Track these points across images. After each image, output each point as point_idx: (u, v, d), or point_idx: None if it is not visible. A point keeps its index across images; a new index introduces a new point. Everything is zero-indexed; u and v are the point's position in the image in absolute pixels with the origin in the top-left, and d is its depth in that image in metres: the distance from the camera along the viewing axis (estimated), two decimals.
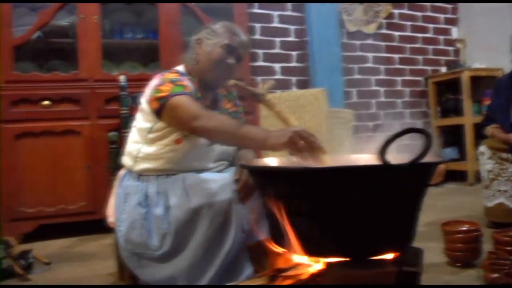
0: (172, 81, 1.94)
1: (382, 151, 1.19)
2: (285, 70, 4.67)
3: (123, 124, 3.10)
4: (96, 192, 3.32)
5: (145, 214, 1.91)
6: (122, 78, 3.15)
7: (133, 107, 3.12)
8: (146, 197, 1.94)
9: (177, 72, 2.06)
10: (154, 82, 2.02)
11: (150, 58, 3.80)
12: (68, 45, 3.55)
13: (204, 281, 1.81)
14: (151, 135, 1.97)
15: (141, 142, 2.01)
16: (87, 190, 3.32)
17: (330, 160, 1.55)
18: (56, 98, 3.29)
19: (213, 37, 2.04)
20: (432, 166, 1.37)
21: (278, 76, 4.61)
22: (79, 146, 3.31)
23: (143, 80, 3.35)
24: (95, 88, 3.37)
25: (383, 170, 1.22)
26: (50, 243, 3.24)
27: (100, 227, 3.37)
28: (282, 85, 4.59)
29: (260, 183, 1.40)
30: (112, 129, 3.30)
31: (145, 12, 3.87)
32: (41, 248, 2.93)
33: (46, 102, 3.26)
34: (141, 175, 1.99)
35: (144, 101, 2.05)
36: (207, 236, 1.80)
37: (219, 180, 1.85)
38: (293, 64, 4.70)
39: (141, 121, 2.03)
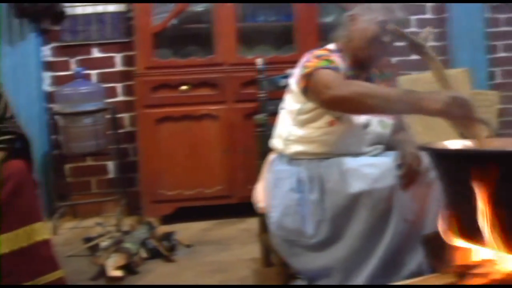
0: (318, 56, 1.85)
1: None
2: None
3: (261, 108, 3.06)
4: (232, 176, 3.32)
5: (299, 199, 1.83)
6: (259, 61, 3.10)
7: (270, 90, 3.09)
8: (299, 182, 1.85)
9: (328, 49, 1.95)
10: (302, 61, 1.92)
11: (284, 40, 3.71)
12: (203, 30, 3.56)
13: (362, 273, 1.69)
14: (301, 117, 1.89)
15: (291, 124, 1.93)
16: (223, 174, 3.33)
17: (493, 141, 1.37)
18: (194, 83, 3.32)
19: (368, 13, 1.89)
20: None
21: (414, 57, 4.34)
22: (216, 130, 3.31)
23: (278, 63, 3.34)
24: (231, 72, 3.35)
25: None
26: (188, 225, 3.29)
27: (236, 211, 3.40)
28: (419, 66, 4.31)
29: (450, 168, 1.24)
30: (249, 113, 3.28)
31: None
32: (180, 231, 2.97)
33: (184, 87, 3.30)
34: (292, 159, 1.91)
35: (293, 82, 1.96)
36: (366, 224, 1.68)
37: (379, 165, 1.72)
38: (431, 43, 4.39)
39: (291, 102, 1.95)
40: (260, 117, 2.45)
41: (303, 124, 1.88)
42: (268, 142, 2.25)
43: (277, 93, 3.10)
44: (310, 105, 1.84)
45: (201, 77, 3.33)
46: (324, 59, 1.83)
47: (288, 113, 1.95)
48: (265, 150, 2.37)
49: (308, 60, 1.84)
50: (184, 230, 3.09)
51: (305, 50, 3.38)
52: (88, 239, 2.95)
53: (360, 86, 1.67)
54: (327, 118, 1.85)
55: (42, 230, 1.98)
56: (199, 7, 3.60)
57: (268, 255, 2.43)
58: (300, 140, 1.88)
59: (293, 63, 3.29)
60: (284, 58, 3.41)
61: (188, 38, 3.67)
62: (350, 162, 1.78)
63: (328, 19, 3.66)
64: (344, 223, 1.73)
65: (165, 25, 3.42)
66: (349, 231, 1.73)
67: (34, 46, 3.58)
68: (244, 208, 3.34)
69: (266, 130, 2.36)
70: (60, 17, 3.60)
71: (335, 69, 1.80)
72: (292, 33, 3.55)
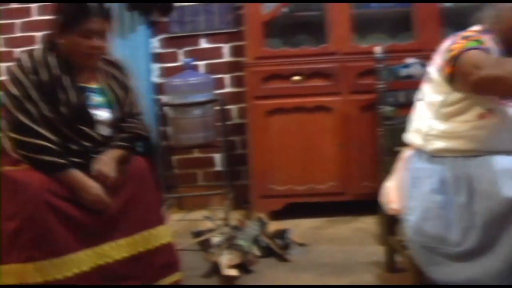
0: (466, 37, 1.64)
1: None
2: None
3: (380, 100, 2.84)
4: (346, 172, 3.13)
5: (442, 202, 1.62)
6: (378, 49, 2.89)
7: (390, 80, 2.86)
8: (441, 182, 1.64)
9: (475, 30, 1.71)
10: (444, 46, 1.70)
11: (401, 28, 3.46)
12: (315, 18, 3.39)
13: None
14: (445, 110, 1.67)
15: (432, 118, 1.71)
16: (337, 170, 3.14)
17: None
18: (306, 73, 3.15)
19: None
20: None
21: None
22: (330, 122, 3.13)
23: (396, 52, 3.10)
24: (346, 61, 3.15)
25: None
26: (298, 222, 3.14)
27: (349, 209, 3.21)
28: None
29: None
30: (366, 105, 3.08)
31: None
32: (289, 227, 2.83)
33: (297, 78, 3.15)
34: (433, 156, 1.70)
35: (433, 70, 1.74)
36: None
37: None
38: None
39: (431, 93, 1.74)
40: (387, 109, 2.26)
41: (447, 117, 1.67)
42: (395, 136, 2.06)
43: (397, 84, 2.91)
44: (456, 95, 1.63)
45: (314, 67, 3.16)
46: (473, 39, 1.61)
47: (428, 105, 1.74)
48: (392, 145, 2.18)
49: (454, 42, 1.62)
50: (294, 227, 2.93)
51: (425, 37, 3.17)
52: (197, 233, 2.88)
53: None
54: (477, 111, 1.62)
55: (163, 235, 1.91)
56: None
57: (393, 259, 2.24)
58: (443, 136, 1.67)
59: (412, 51, 3.10)
60: (403, 47, 3.17)
61: (299, 26, 3.52)
62: (504, 162, 1.55)
63: (449, 4, 3.36)
64: (498, 230, 1.51)
65: (275, 13, 3.28)
66: (503, 240, 1.50)
67: (143, 38, 3.59)
68: (358, 206, 3.17)
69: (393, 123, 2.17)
70: (168, 8, 3.58)
71: (486, 50, 1.58)
72: (409, 19, 3.28)
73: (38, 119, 1.73)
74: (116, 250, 1.78)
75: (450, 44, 1.66)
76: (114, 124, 1.92)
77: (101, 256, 1.74)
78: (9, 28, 3.82)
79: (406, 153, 1.85)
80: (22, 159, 1.72)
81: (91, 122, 1.86)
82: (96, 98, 1.91)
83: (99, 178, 1.76)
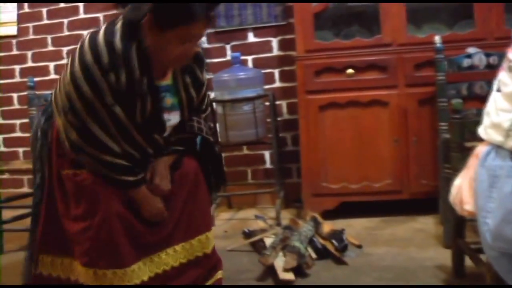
0: None
1: None
2: None
3: (440, 92, 2.69)
4: (403, 169, 2.98)
5: None
6: (437, 39, 2.74)
7: (451, 72, 2.70)
8: None
9: None
10: None
11: (459, 17, 3.27)
12: (368, 9, 3.24)
13: None
14: None
15: None
16: (393, 167, 2.99)
17: None
18: (360, 66, 3.01)
19: None
20: None
21: None
22: (386, 117, 2.97)
23: (456, 42, 2.93)
24: (402, 53, 2.99)
25: None
26: (352, 222, 3.02)
27: (406, 208, 3.06)
28: None
29: None
30: (424, 98, 2.93)
31: None
32: (343, 227, 2.70)
33: (350, 71, 3.01)
34: None
35: None
36: None
37: None
38: None
39: (511, 83, 1.57)
40: (456, 101, 2.10)
41: None
42: (463, 131, 1.91)
43: (459, 75, 2.74)
44: None
45: (368, 59, 3.01)
46: None
47: (508, 96, 1.58)
48: (461, 140, 2.03)
49: None
50: (348, 227, 2.81)
51: (487, 25, 2.97)
52: (248, 233, 2.80)
53: None
54: None
55: (212, 239, 1.83)
56: None
57: (462, 264, 2.09)
58: None
59: (474, 41, 2.92)
60: (463, 36, 3.00)
61: (351, 17, 3.39)
62: None
63: None
64: None
65: (326, 5, 3.15)
66: None
67: None
68: (416, 205, 3.01)
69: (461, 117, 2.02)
70: (214, 2, 3.48)
71: None
72: (469, 7, 3.09)
73: (112, 133, 1.55)
74: (173, 256, 1.70)
75: None
76: (178, 124, 1.74)
77: (159, 265, 1.67)
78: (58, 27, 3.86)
79: (480, 149, 1.69)
80: (86, 165, 1.58)
81: (163, 128, 1.67)
82: (170, 99, 1.67)
83: (156, 192, 1.66)
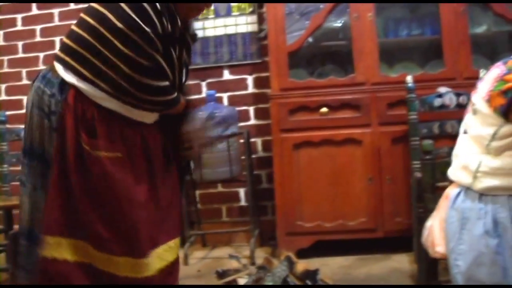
0: None
1: None
2: None
3: (412, 131, 2.72)
4: (378, 207, 2.98)
5: (497, 246, 1.47)
6: (408, 79, 2.78)
7: (422, 111, 2.74)
8: (495, 223, 1.50)
9: None
10: (492, 74, 1.57)
11: (429, 56, 3.34)
12: (342, 48, 3.30)
13: None
14: (497, 144, 1.53)
15: (481, 153, 1.57)
16: (368, 205, 2.99)
17: None
18: (334, 105, 3.04)
19: None
20: None
21: None
22: (360, 156, 2.99)
23: (427, 81, 2.98)
24: (375, 92, 3.03)
25: None
26: (327, 261, 2.99)
27: (381, 246, 3.05)
28: None
29: None
30: (397, 137, 2.96)
31: (421, 5, 3.41)
32: (318, 266, 2.67)
33: (324, 109, 3.04)
34: (484, 194, 1.55)
35: (478, 100, 1.61)
36: None
37: None
38: None
39: (479, 126, 1.60)
40: (426, 142, 2.11)
41: (499, 152, 1.53)
42: (434, 171, 1.92)
43: (430, 115, 2.78)
44: (509, 128, 1.49)
45: (342, 98, 3.04)
46: None
47: (475, 138, 1.60)
48: (432, 180, 2.04)
49: (508, 73, 1.49)
50: (322, 266, 2.78)
51: (456, 65, 3.04)
52: (222, 273, 2.74)
53: None
54: None
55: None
56: (336, 23, 3.35)
57: None
58: (495, 173, 1.53)
59: (444, 80, 2.98)
60: (434, 76, 3.07)
61: (325, 56, 3.44)
62: None
63: (479, 29, 3.24)
64: None
65: (300, 44, 3.20)
66: None
67: None
68: (390, 243, 3.00)
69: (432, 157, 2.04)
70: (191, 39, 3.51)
71: None
72: (439, 47, 3.16)
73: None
74: (169, 252, 1.63)
75: (501, 74, 1.52)
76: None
77: (161, 260, 1.59)
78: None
79: (450, 190, 1.71)
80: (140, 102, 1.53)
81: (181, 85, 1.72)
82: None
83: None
